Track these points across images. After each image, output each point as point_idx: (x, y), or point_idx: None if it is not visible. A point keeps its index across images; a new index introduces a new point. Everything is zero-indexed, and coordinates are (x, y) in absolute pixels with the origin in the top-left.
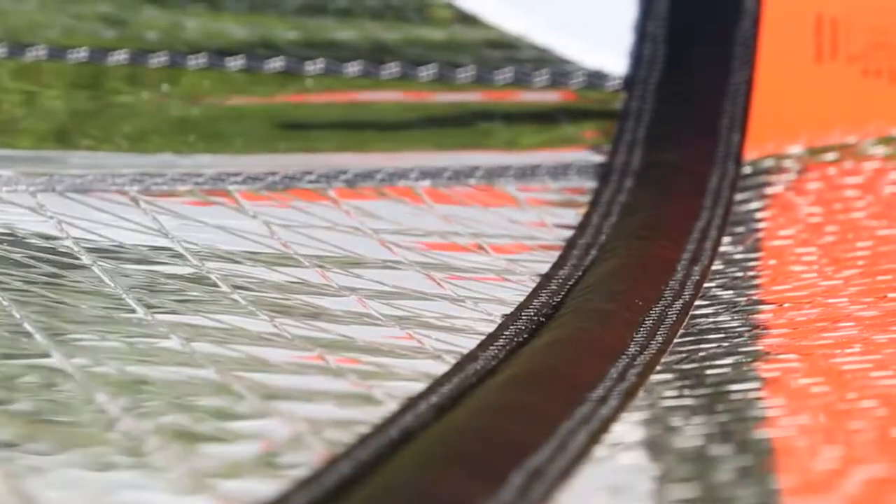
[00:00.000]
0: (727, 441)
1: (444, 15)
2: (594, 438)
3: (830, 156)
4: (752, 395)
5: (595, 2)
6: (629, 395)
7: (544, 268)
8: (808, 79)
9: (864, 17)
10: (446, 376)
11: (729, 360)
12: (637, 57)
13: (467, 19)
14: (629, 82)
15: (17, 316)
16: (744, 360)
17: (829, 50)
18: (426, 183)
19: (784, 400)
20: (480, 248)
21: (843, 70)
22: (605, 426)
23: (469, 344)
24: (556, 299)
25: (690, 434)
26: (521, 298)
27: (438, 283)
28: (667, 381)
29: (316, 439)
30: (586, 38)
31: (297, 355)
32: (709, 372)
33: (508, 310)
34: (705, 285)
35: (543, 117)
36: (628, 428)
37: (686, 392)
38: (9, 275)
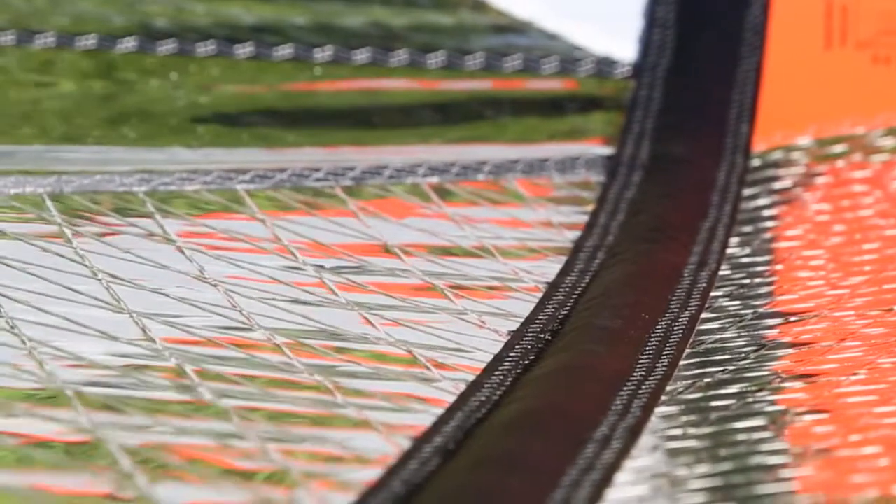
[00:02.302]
0: (730, 498)
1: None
2: (597, 494)
3: (839, 148)
4: (756, 435)
5: None
6: (633, 433)
7: (551, 272)
8: (817, 66)
9: (874, 2)
10: (450, 411)
11: (734, 389)
12: (646, 43)
13: (477, 5)
14: (638, 69)
15: None
16: (749, 389)
17: (839, 36)
18: (434, 179)
19: (787, 444)
20: (487, 251)
21: (852, 57)
22: (608, 476)
23: (475, 365)
24: (562, 312)
25: (694, 487)
26: (527, 312)
27: (445, 296)
28: (671, 416)
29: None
30: (596, 23)
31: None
32: (713, 404)
33: (514, 324)
34: (712, 294)
35: (552, 108)
36: (631, 479)
37: (690, 430)
38: None
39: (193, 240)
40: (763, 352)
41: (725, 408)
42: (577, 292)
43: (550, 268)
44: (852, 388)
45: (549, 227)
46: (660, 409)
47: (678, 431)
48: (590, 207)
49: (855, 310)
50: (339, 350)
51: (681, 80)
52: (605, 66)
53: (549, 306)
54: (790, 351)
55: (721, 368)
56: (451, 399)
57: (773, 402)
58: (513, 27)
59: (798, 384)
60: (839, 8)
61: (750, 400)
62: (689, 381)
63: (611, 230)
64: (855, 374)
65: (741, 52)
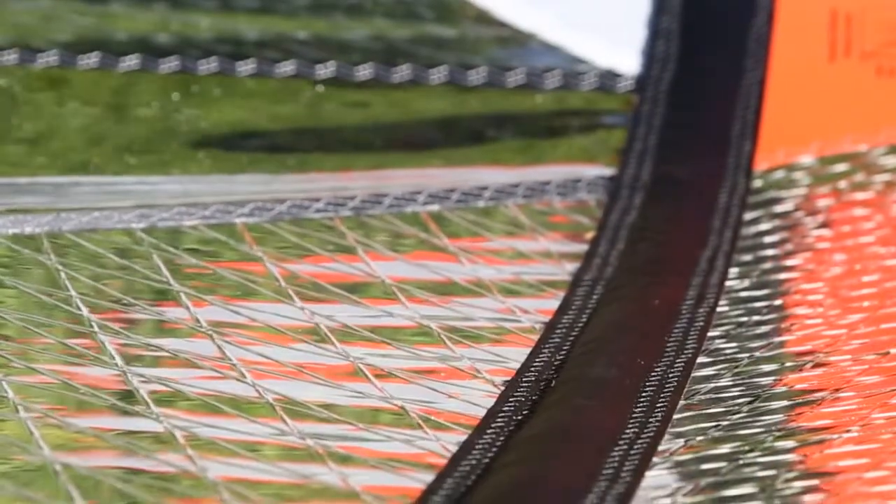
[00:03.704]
0: None
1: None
2: None
3: (841, 167)
4: None
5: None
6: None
7: (549, 309)
8: (821, 78)
9: (879, 12)
10: (439, 479)
11: (726, 449)
12: (650, 55)
13: (481, 16)
14: (641, 82)
15: None
16: (741, 450)
17: (843, 47)
18: (434, 207)
19: None
20: (485, 287)
21: (856, 68)
22: None
23: (469, 415)
24: (558, 357)
25: None
26: (523, 357)
27: (441, 342)
28: (661, 487)
29: None
30: (600, 32)
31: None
32: (704, 467)
33: (510, 371)
34: (709, 334)
35: (554, 127)
36: None
37: (680, 500)
38: None
39: (191, 282)
40: (757, 404)
41: (716, 471)
42: (573, 333)
43: (548, 304)
44: (844, 449)
45: (549, 258)
46: (650, 473)
47: (667, 501)
48: (590, 235)
49: (851, 353)
50: (331, 408)
51: (684, 94)
52: (607, 79)
53: (545, 351)
54: (784, 403)
55: (714, 424)
56: (444, 461)
57: (763, 466)
58: (516, 39)
59: (790, 443)
60: (844, 17)
61: (741, 462)
62: (682, 441)
63: (610, 261)
64: (848, 431)
65: (745, 65)
